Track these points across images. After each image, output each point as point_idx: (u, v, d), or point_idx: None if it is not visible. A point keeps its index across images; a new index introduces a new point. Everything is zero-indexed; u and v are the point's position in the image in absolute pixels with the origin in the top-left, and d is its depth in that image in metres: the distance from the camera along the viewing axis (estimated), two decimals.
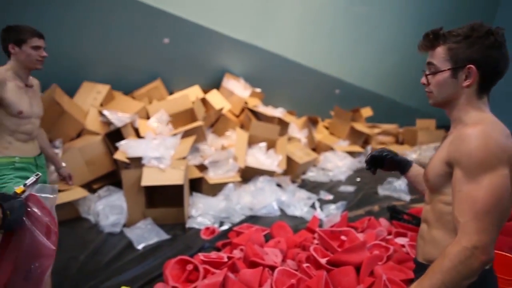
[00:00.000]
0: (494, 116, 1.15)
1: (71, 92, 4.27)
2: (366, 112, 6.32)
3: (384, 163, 1.53)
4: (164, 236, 3.15)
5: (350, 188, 4.43)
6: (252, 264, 2.42)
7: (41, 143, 2.33)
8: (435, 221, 1.21)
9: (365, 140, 5.96)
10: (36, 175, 1.22)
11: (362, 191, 4.34)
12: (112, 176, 3.83)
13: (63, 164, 2.46)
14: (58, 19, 4.18)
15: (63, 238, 3.10)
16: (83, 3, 4.03)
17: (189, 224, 3.32)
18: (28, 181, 1.19)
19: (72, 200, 3.37)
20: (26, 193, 1.17)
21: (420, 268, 1.28)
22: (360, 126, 5.90)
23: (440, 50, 1.17)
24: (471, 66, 1.12)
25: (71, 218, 3.39)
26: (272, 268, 2.38)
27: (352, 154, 5.45)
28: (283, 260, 2.59)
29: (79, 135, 3.94)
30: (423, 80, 1.23)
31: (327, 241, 2.60)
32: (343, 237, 2.67)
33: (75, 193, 3.45)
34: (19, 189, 1.16)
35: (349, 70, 6.53)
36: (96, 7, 4.10)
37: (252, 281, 2.22)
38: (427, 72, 1.21)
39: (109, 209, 3.28)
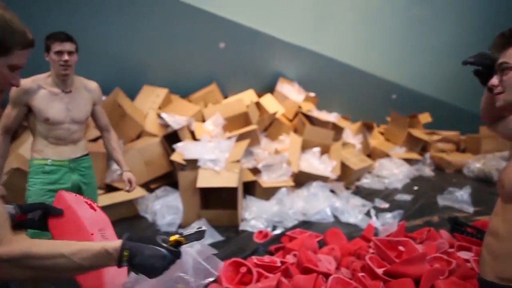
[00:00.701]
0: None
1: (132, 95, 4.48)
2: (425, 118, 6.06)
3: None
4: (218, 237, 3.19)
5: (407, 197, 4.25)
6: (306, 270, 2.39)
7: (107, 146, 2.39)
8: (507, 234, 1.13)
9: (423, 147, 5.71)
10: (198, 228, 1.00)
11: (420, 201, 4.15)
12: (169, 177, 3.95)
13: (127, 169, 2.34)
14: (120, 26, 4.41)
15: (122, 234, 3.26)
16: (143, 10, 4.22)
17: (242, 226, 3.35)
18: (186, 232, 0.98)
19: (132, 199, 3.52)
20: (183, 245, 0.96)
21: None
22: (418, 133, 5.66)
23: None
24: None
25: (130, 216, 3.54)
26: (326, 275, 2.33)
27: (409, 161, 5.24)
28: (337, 268, 2.53)
29: (138, 137, 4.12)
30: (494, 80, 1.14)
31: (384, 251, 2.51)
32: (400, 248, 2.56)
33: (134, 192, 3.56)
34: (173, 237, 0.95)
35: (406, 75, 6.30)
36: (156, 14, 4.28)
37: (306, 287, 2.19)
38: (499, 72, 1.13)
39: (165, 209, 3.39)
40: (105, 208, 3.32)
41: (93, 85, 2.25)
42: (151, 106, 4.37)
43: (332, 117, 5.11)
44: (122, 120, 3.97)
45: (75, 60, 2.09)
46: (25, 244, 0.83)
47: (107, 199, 3.46)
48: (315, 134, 4.46)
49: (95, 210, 1.26)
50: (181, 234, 0.96)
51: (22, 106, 2.07)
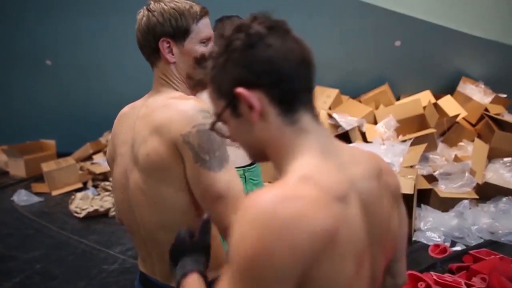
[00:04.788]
0: None
1: None
2: None
3: None
4: None
5: None
6: None
7: None
8: None
9: None
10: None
11: None
12: None
13: None
14: (292, 26, 4.57)
15: None
16: (314, 9, 4.28)
17: (416, 237, 3.12)
18: None
19: None
20: None
21: None
22: None
23: None
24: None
25: None
26: None
27: None
28: None
29: None
30: None
31: None
32: None
33: None
34: None
35: None
36: (327, 13, 4.30)
37: None
38: None
39: None
40: None
41: None
42: (322, 107, 4.43)
43: None
44: None
45: None
46: None
47: None
48: (506, 141, 3.85)
49: None
50: None
51: None
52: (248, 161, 1.97)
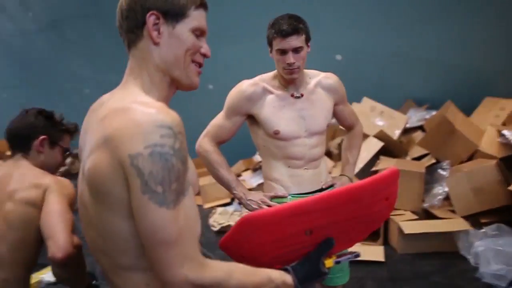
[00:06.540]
0: None
1: (469, 109, 3.81)
2: None
3: None
4: None
5: None
6: None
7: (344, 141, 1.88)
8: None
9: None
10: (355, 256, 1.03)
11: None
12: (507, 212, 3.03)
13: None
14: (452, 32, 3.87)
15: (434, 269, 2.74)
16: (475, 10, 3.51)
17: None
18: (343, 259, 1.02)
19: (449, 232, 2.91)
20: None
21: None
22: None
23: None
24: None
25: (446, 252, 2.93)
26: None
27: None
28: None
29: (471, 158, 3.41)
30: None
31: None
32: None
33: (455, 223, 2.97)
34: (329, 262, 1.00)
35: None
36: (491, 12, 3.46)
37: None
38: None
39: (492, 254, 2.57)
40: (417, 236, 2.92)
41: (330, 80, 1.69)
42: (493, 122, 3.54)
43: None
44: (450, 137, 3.39)
45: (303, 56, 1.56)
46: (225, 269, 0.81)
47: (421, 226, 3.02)
48: None
49: None
50: (338, 262, 1.00)
51: (242, 116, 1.66)
52: (318, 186, 1.66)
